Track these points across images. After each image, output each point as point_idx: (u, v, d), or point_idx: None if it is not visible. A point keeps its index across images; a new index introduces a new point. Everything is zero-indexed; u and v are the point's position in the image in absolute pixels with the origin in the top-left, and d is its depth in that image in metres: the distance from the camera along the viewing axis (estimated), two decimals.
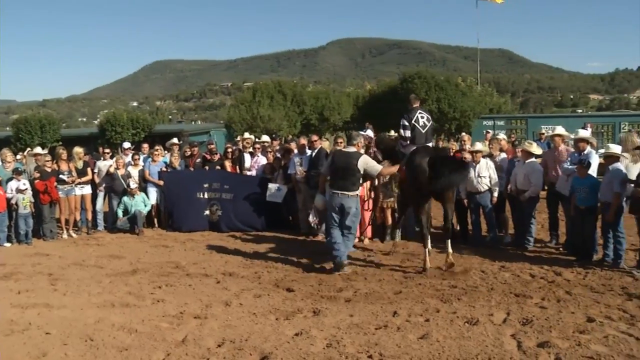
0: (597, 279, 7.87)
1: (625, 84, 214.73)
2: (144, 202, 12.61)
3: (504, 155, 10.92)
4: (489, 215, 10.42)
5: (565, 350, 5.22)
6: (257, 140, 14.56)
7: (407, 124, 9.20)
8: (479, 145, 10.60)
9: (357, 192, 8.56)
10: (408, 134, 9.18)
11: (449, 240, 8.76)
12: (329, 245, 8.70)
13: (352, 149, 8.67)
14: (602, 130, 25.93)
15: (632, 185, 8.25)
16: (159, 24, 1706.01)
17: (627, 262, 8.58)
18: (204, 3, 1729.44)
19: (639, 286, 7.44)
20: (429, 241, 8.82)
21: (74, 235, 12.17)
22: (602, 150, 10.03)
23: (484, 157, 10.35)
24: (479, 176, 10.12)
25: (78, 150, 12.60)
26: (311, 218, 9.23)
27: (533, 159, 9.95)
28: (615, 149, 8.95)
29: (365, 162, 8.54)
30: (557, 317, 6.16)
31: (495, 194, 10.23)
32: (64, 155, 12.30)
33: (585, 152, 9.30)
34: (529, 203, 9.91)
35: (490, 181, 10.17)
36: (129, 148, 14.38)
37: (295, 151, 11.84)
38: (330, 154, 8.59)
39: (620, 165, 8.64)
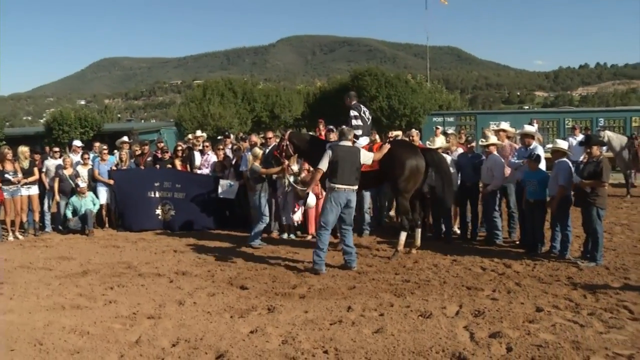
0: (545, 270, 8.12)
1: (568, 82, 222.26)
2: (92, 202, 12.34)
3: (460, 150, 11.10)
4: (447, 210, 10.56)
5: (515, 339, 5.37)
6: (218, 137, 14.51)
7: (358, 114, 9.48)
8: (439, 142, 10.70)
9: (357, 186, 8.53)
10: (360, 122, 9.44)
11: (419, 230, 9.45)
12: (316, 248, 8.38)
13: (348, 143, 8.57)
14: (548, 126, 26.61)
15: (577, 176, 8.50)
16: (107, 20, 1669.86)
17: (573, 253, 8.87)
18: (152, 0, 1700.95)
19: (584, 276, 7.71)
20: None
21: (20, 237, 11.81)
22: (549, 145, 10.26)
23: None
24: None
25: (23, 149, 12.16)
26: (297, 217, 8.88)
27: (495, 153, 10.11)
28: (562, 144, 9.18)
29: (364, 154, 8.65)
30: (507, 308, 6.33)
31: (454, 188, 10.30)
32: (9, 155, 11.88)
33: (531, 147, 9.53)
34: (492, 197, 10.09)
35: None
36: (80, 146, 14.04)
37: (248, 147, 11.79)
38: (328, 150, 8.38)
39: (566, 160, 8.89)
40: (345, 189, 8.28)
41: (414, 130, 12.61)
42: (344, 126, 8.95)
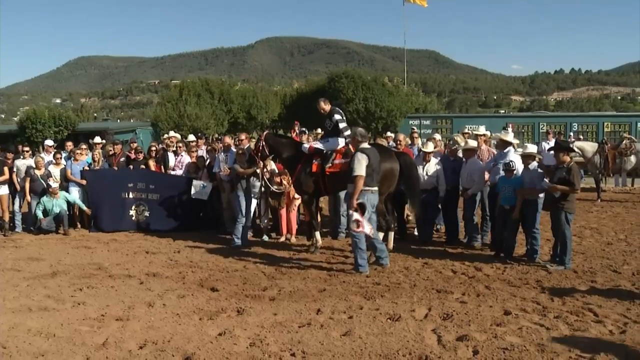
0: (515, 273, 8.19)
1: (544, 87, 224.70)
2: (66, 200, 12.15)
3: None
4: (432, 214, 10.60)
5: (482, 342, 5.42)
6: (184, 139, 14.40)
7: (342, 117, 9.69)
8: (430, 146, 10.62)
9: None
10: (346, 124, 9.64)
11: (392, 233, 9.53)
12: (374, 247, 8.44)
13: (368, 145, 8.62)
14: (523, 130, 26.85)
15: (547, 182, 8.52)
16: (84, 18, 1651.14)
17: (542, 257, 8.95)
18: None
19: (552, 279, 7.79)
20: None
21: None
22: (520, 150, 10.30)
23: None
24: (427, 175, 10.30)
25: None
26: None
27: (475, 158, 10.10)
28: (532, 148, 9.25)
29: None
30: (476, 311, 6.37)
31: (442, 194, 10.33)
32: None
33: (505, 150, 9.56)
34: (472, 201, 10.06)
35: (437, 180, 10.30)
36: (52, 146, 13.85)
37: (221, 149, 11.74)
38: (361, 153, 8.20)
39: (535, 164, 8.95)
40: (377, 192, 8.39)
41: (400, 134, 12.60)
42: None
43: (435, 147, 11.12)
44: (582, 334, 5.62)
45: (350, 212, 8.13)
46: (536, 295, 7.01)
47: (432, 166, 10.39)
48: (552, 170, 8.73)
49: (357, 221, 8.11)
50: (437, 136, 13.26)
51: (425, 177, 10.28)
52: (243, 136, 11.66)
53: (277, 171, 10.95)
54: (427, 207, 10.36)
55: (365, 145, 8.46)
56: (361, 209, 8.18)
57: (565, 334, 5.63)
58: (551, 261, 8.67)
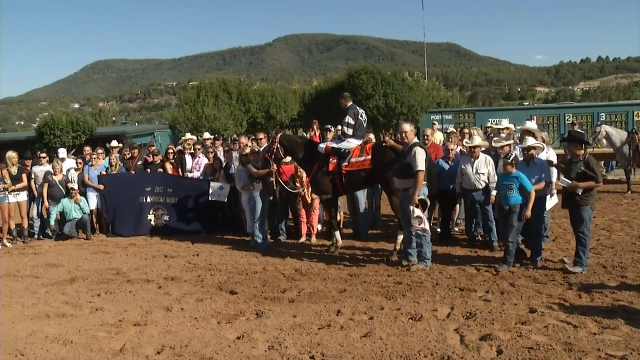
0: (540, 269, 7.95)
1: (569, 77, 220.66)
2: (82, 208, 12.09)
3: (460, 148, 10.64)
4: (485, 214, 9.62)
5: (506, 341, 5.27)
6: (200, 139, 14.33)
7: (352, 122, 9.37)
8: (477, 140, 9.72)
9: None
10: (351, 132, 9.37)
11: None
12: (424, 242, 8.25)
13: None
14: (548, 122, 26.36)
15: (565, 179, 7.80)
16: (100, 22, 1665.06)
17: (559, 254, 8.66)
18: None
19: (580, 275, 7.54)
20: None
21: (8, 245, 11.58)
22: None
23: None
24: (477, 172, 9.43)
25: (11, 154, 11.92)
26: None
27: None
28: (531, 141, 8.44)
29: None
30: (500, 310, 6.21)
31: (494, 193, 8.97)
32: None
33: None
34: None
35: (488, 178, 9.42)
36: (62, 159, 13.66)
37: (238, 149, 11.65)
38: (419, 148, 8.10)
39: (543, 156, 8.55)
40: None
41: (427, 128, 12.35)
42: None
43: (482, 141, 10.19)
44: (612, 332, 5.41)
45: (412, 208, 7.97)
46: (563, 292, 6.81)
47: (483, 162, 9.46)
48: (566, 164, 8.09)
49: (420, 217, 7.97)
50: (451, 129, 12.91)
51: (475, 175, 9.43)
52: (261, 135, 11.57)
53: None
54: (477, 209, 9.71)
55: (416, 139, 8.36)
56: (422, 205, 8.04)
57: (594, 332, 5.44)
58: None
